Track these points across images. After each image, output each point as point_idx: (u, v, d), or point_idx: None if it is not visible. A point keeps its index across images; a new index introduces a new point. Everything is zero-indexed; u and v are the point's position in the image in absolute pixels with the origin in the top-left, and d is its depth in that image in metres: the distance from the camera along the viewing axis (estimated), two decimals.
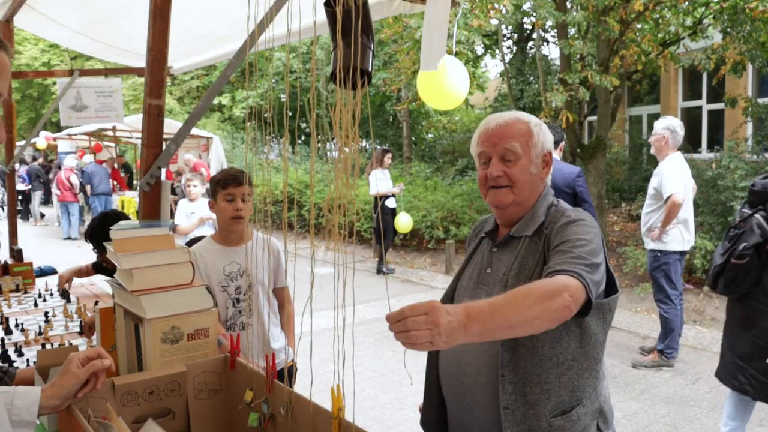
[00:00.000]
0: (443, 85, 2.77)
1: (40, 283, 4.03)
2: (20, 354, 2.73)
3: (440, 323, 1.22)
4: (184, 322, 1.64)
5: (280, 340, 3.08)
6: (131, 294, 1.61)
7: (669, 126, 5.21)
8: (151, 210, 2.20)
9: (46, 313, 3.26)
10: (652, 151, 5.40)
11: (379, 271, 10.00)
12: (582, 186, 4.75)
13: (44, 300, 3.63)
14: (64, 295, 3.70)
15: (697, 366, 5.48)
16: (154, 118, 2.18)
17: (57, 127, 16.48)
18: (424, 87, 2.87)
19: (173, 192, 15.43)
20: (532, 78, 17.92)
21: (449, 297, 1.95)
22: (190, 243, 3.20)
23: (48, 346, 2.81)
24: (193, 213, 6.51)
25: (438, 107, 3.48)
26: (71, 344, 2.86)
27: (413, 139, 19.64)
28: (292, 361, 3.10)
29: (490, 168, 1.79)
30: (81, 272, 3.73)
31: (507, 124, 1.79)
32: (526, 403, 1.64)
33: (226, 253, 2.97)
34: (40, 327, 3.07)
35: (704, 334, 6.37)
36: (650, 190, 5.36)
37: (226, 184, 2.94)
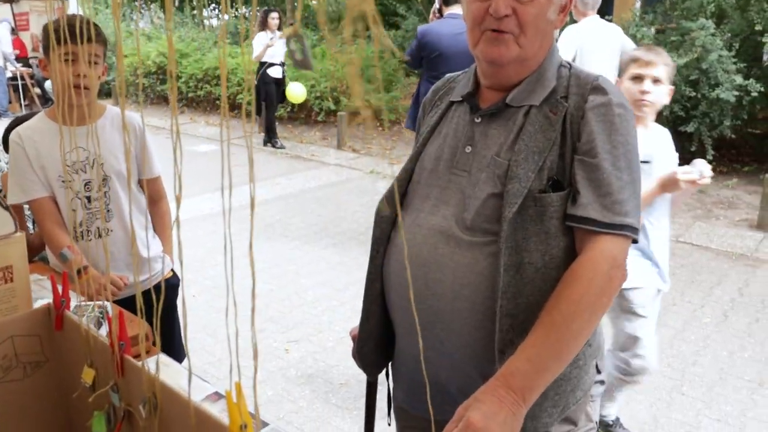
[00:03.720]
0: None
1: None
2: None
3: None
4: None
5: (153, 247, 2.38)
6: None
7: None
8: None
9: None
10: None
11: (266, 143, 9.14)
12: None
13: None
14: None
15: None
16: None
17: None
18: None
19: (26, 65, 13.38)
20: None
21: (405, 182, 1.35)
22: (17, 122, 2.37)
23: None
24: None
25: None
26: None
27: (295, 5, 18.21)
28: (172, 271, 2.45)
29: (494, 1, 1.17)
30: None
31: None
32: None
33: (68, 136, 2.18)
34: None
35: None
36: None
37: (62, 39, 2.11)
